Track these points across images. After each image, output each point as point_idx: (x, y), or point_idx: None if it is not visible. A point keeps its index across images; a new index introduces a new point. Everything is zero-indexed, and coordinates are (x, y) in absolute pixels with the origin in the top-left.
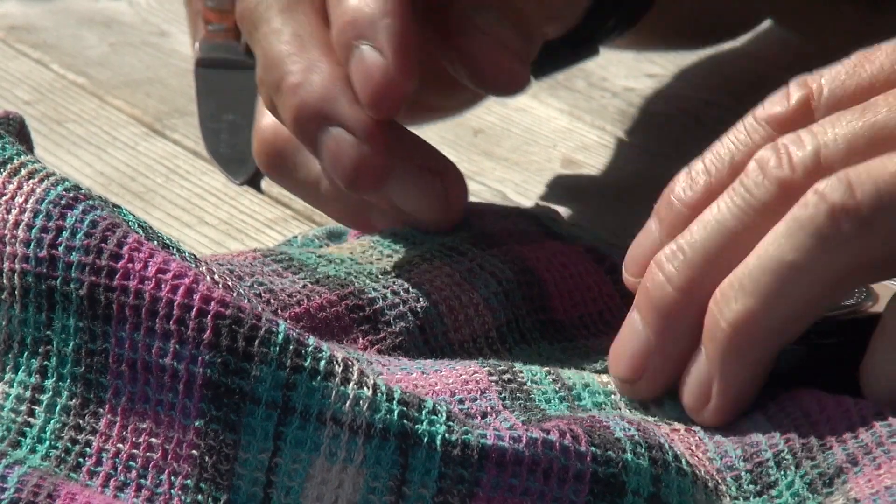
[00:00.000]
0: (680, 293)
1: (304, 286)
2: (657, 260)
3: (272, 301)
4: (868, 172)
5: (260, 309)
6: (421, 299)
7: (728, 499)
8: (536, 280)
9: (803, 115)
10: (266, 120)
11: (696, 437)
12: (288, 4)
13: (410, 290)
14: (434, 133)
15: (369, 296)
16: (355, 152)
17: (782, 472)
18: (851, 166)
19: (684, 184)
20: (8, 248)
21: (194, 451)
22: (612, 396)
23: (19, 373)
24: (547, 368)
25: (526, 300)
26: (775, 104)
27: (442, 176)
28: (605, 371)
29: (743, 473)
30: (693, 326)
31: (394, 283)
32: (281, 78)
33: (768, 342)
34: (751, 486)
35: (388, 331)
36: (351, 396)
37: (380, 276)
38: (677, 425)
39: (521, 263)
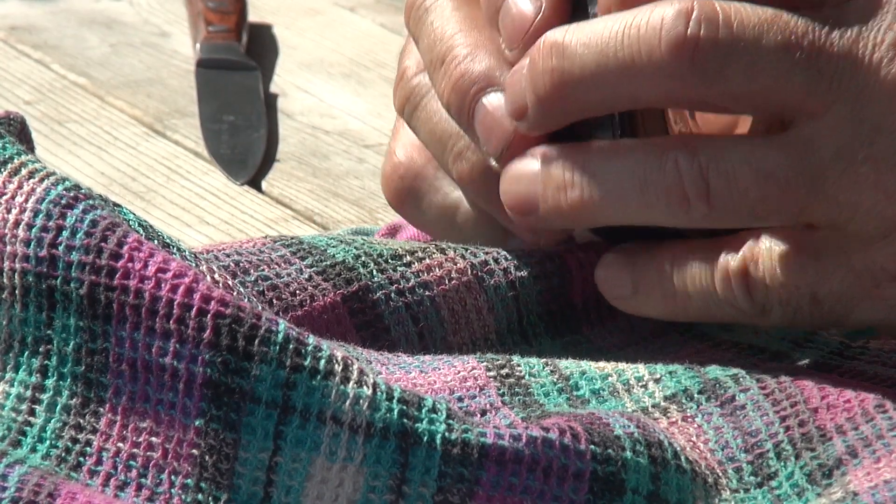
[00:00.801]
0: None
1: (309, 277)
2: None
3: (275, 301)
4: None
5: (260, 308)
6: (425, 301)
7: (728, 492)
8: (558, 266)
9: None
10: (400, 145)
11: (696, 425)
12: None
13: (417, 289)
14: None
15: (373, 297)
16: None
17: (782, 463)
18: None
19: None
20: (8, 248)
21: (195, 451)
22: (609, 379)
23: (20, 372)
24: (545, 360)
25: (542, 294)
26: None
27: None
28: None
29: (744, 465)
30: None
31: (402, 276)
32: (446, 51)
33: (584, 107)
34: (751, 478)
35: (386, 338)
36: (351, 395)
37: (389, 262)
38: (674, 415)
39: (542, 253)
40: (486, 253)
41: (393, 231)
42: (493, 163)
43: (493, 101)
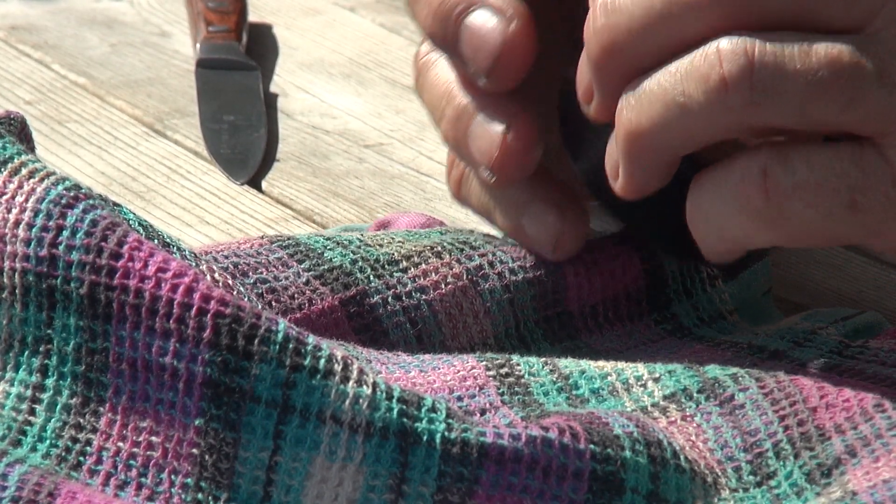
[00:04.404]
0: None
1: (307, 281)
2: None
3: (274, 303)
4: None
5: (260, 307)
6: (422, 306)
7: (727, 491)
8: (553, 272)
9: None
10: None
11: (695, 424)
12: None
13: (413, 293)
14: (433, 134)
15: (371, 301)
16: (502, 29)
17: (781, 463)
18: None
19: None
20: (8, 248)
21: (194, 450)
22: (608, 379)
23: (20, 371)
24: (544, 359)
25: (536, 299)
26: None
27: (561, 210)
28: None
29: (743, 464)
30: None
31: (398, 281)
32: None
33: (659, 154)
34: (751, 478)
35: (384, 341)
36: (350, 395)
37: (385, 267)
38: (673, 414)
39: (537, 258)
40: (482, 256)
41: (383, 226)
42: (482, 81)
43: (478, 18)
